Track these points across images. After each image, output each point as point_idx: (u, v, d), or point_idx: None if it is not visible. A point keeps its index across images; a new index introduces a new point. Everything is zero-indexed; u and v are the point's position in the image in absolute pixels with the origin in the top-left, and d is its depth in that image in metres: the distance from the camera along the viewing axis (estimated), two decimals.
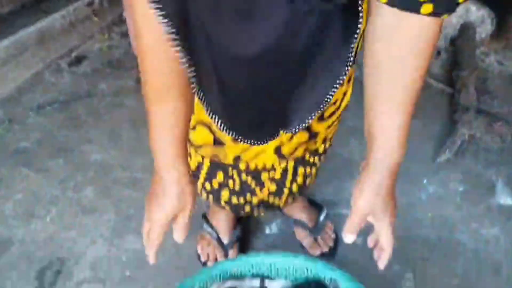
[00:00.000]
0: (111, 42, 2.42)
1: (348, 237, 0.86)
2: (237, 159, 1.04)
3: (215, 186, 1.18)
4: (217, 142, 0.99)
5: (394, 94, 0.68)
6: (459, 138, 1.91)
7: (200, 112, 0.89)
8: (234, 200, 1.20)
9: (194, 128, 0.99)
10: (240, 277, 1.05)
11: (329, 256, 1.46)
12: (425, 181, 1.76)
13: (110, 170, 1.72)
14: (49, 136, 1.86)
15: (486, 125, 2.00)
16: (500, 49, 2.61)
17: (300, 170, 1.19)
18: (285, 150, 1.04)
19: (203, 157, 1.08)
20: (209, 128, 0.97)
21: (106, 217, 1.56)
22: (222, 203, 1.23)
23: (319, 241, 1.49)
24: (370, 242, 0.90)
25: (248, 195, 1.18)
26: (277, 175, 1.16)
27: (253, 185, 1.15)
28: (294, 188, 1.22)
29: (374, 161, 0.75)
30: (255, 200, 1.21)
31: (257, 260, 1.03)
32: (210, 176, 1.15)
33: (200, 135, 1.00)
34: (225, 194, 1.19)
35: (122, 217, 1.56)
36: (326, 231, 1.51)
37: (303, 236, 1.51)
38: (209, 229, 1.43)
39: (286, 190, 1.23)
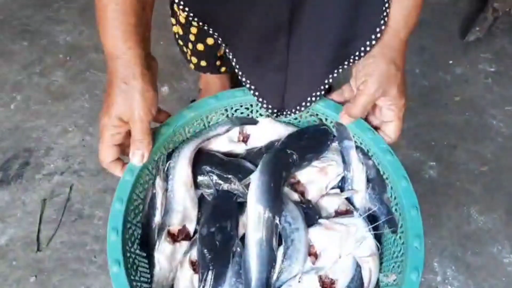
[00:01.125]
0: None
1: (346, 119, 0.71)
2: None
3: (210, 43, 0.96)
4: None
5: None
6: (492, 14, 1.64)
7: None
8: None
9: None
10: (214, 128, 0.79)
11: None
12: (451, 62, 1.51)
13: (83, 52, 1.47)
14: (12, 16, 1.58)
15: None
16: None
17: None
18: None
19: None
20: None
21: (79, 103, 1.33)
22: (218, 62, 1.05)
23: None
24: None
25: None
26: None
27: None
28: None
29: (385, 33, 0.65)
30: None
31: (232, 101, 0.77)
32: (202, 34, 0.96)
33: None
34: (221, 49, 0.99)
35: (98, 104, 1.33)
36: None
37: None
38: None
39: None
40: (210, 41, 0.99)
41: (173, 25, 1.03)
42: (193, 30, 0.97)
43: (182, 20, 0.97)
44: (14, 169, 1.19)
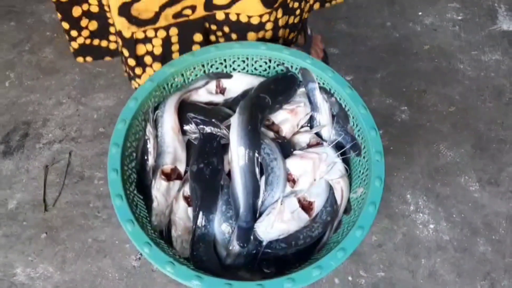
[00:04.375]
0: None
1: None
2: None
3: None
4: None
5: None
6: None
7: None
8: None
9: None
10: (193, 82, 0.88)
11: None
12: (420, 13, 1.59)
13: None
14: None
15: None
16: None
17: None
18: None
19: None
20: None
21: (70, 76, 1.41)
22: None
23: (312, 54, 1.40)
24: None
25: None
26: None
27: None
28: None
29: None
30: None
31: (207, 57, 0.86)
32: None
33: None
34: None
35: (88, 75, 1.41)
36: (316, 44, 1.40)
37: None
38: None
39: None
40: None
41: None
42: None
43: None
44: (15, 140, 1.27)
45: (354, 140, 0.82)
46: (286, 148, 0.82)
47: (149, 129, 0.80)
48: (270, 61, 0.89)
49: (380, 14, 1.59)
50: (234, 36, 0.94)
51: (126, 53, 0.92)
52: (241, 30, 0.92)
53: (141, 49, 0.92)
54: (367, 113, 0.79)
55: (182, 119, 0.83)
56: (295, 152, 0.82)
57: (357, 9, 1.59)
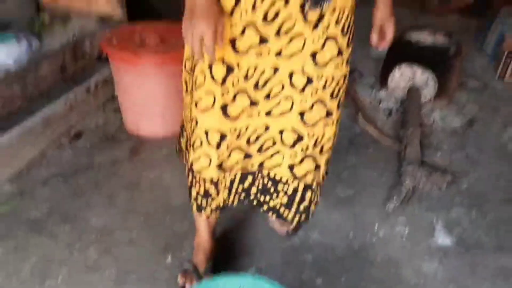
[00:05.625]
0: (106, 118, 2.79)
1: (374, 38, 1.40)
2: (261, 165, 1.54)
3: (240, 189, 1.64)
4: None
5: None
6: (404, 188, 2.26)
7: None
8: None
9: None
10: None
11: (293, 234, 2.01)
12: (376, 226, 2.10)
13: (110, 231, 2.03)
14: (56, 205, 2.17)
15: (427, 175, 2.36)
16: (443, 106, 3.03)
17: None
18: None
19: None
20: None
21: (108, 272, 1.85)
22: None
23: (285, 223, 1.96)
24: (373, 38, 1.41)
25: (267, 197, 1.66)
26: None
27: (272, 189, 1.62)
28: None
29: None
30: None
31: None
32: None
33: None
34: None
35: (122, 272, 1.85)
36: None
37: (273, 220, 2.01)
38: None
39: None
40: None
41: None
42: None
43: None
44: None
45: None
46: None
47: None
48: None
49: (345, 225, 2.09)
50: (269, 185, 1.60)
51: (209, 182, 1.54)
52: (274, 181, 1.58)
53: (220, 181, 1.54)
54: None
55: None
56: None
57: (328, 220, 2.10)
